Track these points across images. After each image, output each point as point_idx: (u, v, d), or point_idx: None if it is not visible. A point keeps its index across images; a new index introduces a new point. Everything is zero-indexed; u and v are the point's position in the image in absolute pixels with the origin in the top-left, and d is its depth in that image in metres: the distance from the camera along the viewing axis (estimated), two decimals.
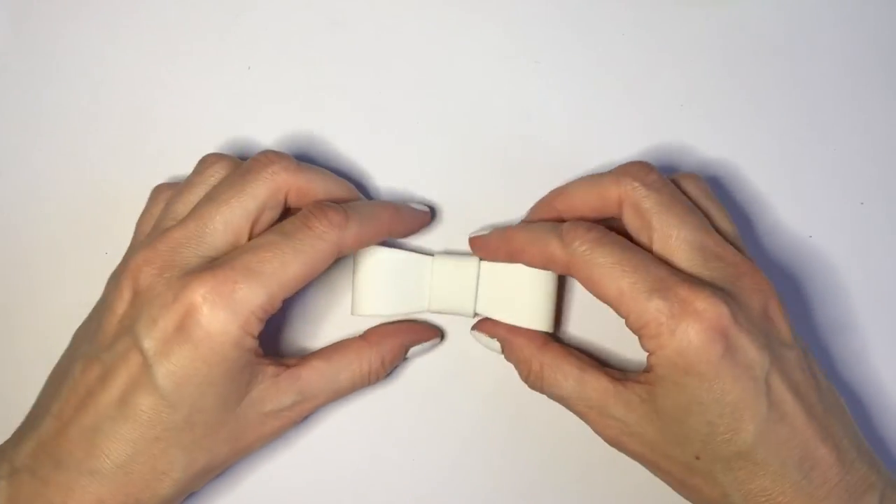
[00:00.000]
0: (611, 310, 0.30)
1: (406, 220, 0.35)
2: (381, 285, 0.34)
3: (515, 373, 0.36)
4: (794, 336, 0.30)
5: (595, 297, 0.31)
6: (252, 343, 0.30)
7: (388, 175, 0.37)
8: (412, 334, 0.35)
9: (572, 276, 0.31)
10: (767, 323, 0.30)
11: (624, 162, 0.33)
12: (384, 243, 0.34)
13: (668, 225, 0.30)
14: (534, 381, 0.34)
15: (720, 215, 0.32)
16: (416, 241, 0.37)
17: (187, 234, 0.30)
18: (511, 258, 0.33)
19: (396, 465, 0.36)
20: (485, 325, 0.35)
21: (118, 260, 0.33)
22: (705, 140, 0.37)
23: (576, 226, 0.31)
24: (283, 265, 0.29)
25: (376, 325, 0.36)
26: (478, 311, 0.35)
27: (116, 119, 0.37)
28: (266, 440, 0.32)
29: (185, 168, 0.36)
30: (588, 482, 0.36)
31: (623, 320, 0.30)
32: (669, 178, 0.32)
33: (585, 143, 0.37)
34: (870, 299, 0.37)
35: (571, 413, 0.33)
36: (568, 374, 0.33)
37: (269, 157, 0.31)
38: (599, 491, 0.36)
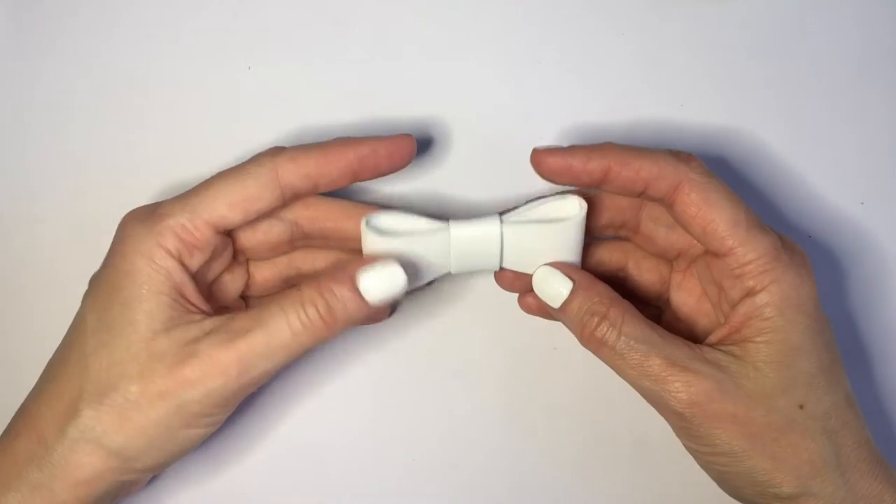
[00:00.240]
0: None
1: (378, 150, 0.31)
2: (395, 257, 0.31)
3: (515, 372, 0.36)
4: None
5: (687, 224, 0.30)
6: (169, 263, 0.30)
7: (388, 175, 0.37)
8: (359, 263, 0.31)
9: (671, 200, 0.30)
10: None
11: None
12: (394, 212, 0.32)
13: (733, 207, 0.30)
14: (604, 333, 0.30)
15: None
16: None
17: (178, 198, 0.31)
18: (601, 176, 0.31)
19: (397, 465, 0.36)
20: (560, 266, 0.32)
21: None
22: (705, 140, 0.37)
23: (688, 153, 0.31)
24: (209, 186, 0.31)
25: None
26: (503, 266, 0.33)
27: (116, 119, 0.37)
28: (191, 394, 0.29)
29: (185, 168, 0.37)
30: (588, 482, 0.36)
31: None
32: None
33: (586, 142, 0.37)
34: (870, 299, 0.37)
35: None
36: (653, 328, 0.30)
37: (269, 149, 0.32)
38: (599, 491, 0.36)
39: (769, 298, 0.29)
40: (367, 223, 0.31)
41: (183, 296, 0.30)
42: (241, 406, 0.36)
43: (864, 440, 0.30)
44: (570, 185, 0.32)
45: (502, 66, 0.37)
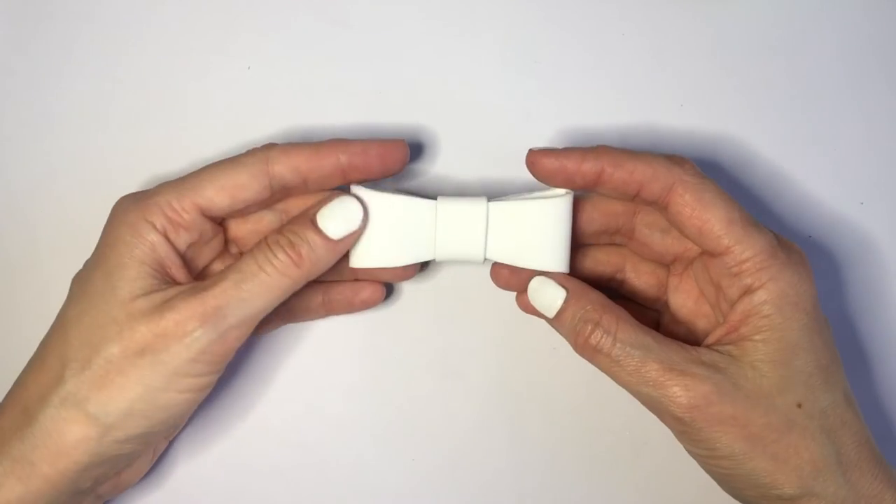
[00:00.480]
0: None
1: (369, 151, 0.32)
2: (380, 233, 0.32)
3: (515, 372, 0.36)
4: None
5: (682, 225, 0.30)
6: (154, 237, 0.30)
7: (381, 178, 0.37)
8: (319, 202, 0.32)
9: (665, 202, 0.31)
10: None
11: None
12: (381, 189, 0.32)
13: (727, 206, 0.30)
14: (598, 340, 0.30)
15: None
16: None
17: (170, 181, 0.32)
18: (595, 178, 0.31)
19: (397, 465, 0.36)
20: (554, 276, 0.32)
21: None
22: (705, 140, 0.37)
23: (681, 156, 0.31)
24: (200, 171, 0.32)
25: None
26: (488, 256, 0.33)
27: (116, 119, 0.37)
28: (167, 348, 0.29)
29: (184, 168, 0.37)
30: (588, 482, 0.36)
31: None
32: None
33: (585, 144, 0.37)
34: (869, 299, 0.37)
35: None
36: (647, 333, 0.30)
37: (264, 144, 0.33)
38: (600, 491, 0.36)
39: (767, 296, 0.29)
40: (357, 185, 0.32)
41: (166, 271, 0.31)
42: (241, 406, 0.36)
43: (864, 439, 0.30)
44: (565, 186, 0.32)
45: (501, 66, 0.37)
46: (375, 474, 0.36)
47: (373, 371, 0.37)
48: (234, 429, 0.36)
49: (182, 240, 0.31)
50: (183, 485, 0.36)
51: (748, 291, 0.30)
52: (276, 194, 0.32)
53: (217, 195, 0.31)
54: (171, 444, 0.36)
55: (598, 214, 0.33)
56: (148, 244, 0.30)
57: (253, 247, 0.31)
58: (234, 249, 0.34)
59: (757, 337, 0.29)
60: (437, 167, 0.37)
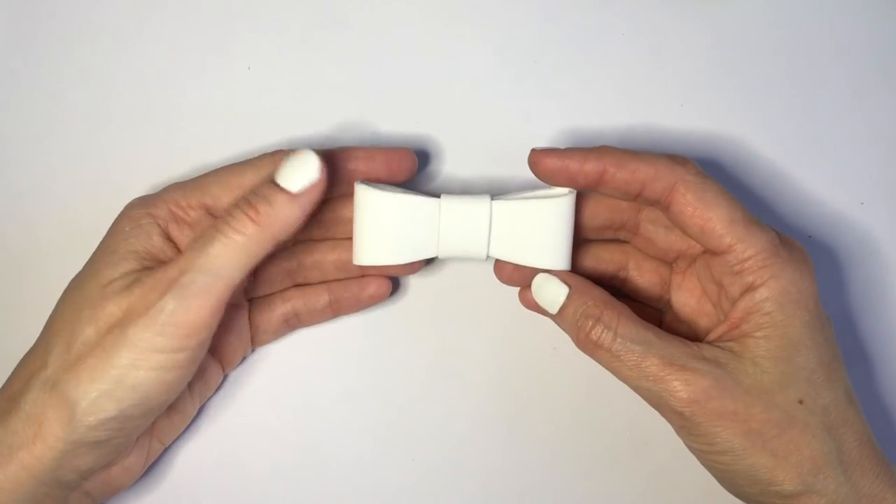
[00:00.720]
0: None
1: (375, 159, 0.32)
2: (384, 231, 0.32)
3: (515, 372, 0.36)
4: None
5: (684, 224, 0.30)
6: (152, 229, 0.31)
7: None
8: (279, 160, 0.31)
9: (667, 202, 0.31)
10: None
11: None
12: (385, 187, 0.32)
13: (729, 205, 0.30)
14: (599, 335, 0.30)
15: None
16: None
17: (180, 181, 0.33)
18: (597, 178, 0.31)
19: (397, 465, 0.36)
20: (556, 273, 0.32)
21: None
22: (705, 140, 0.37)
23: (683, 156, 0.31)
24: (210, 172, 0.32)
25: None
26: (490, 253, 0.33)
27: (116, 119, 0.37)
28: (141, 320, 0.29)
29: (185, 168, 0.37)
30: (588, 482, 0.36)
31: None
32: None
33: (585, 144, 0.37)
34: (870, 299, 0.37)
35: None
36: (648, 328, 0.30)
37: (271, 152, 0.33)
38: (600, 491, 0.36)
39: (769, 293, 0.29)
40: (361, 182, 0.32)
41: (157, 259, 0.31)
42: (240, 406, 0.36)
43: (865, 438, 0.30)
44: (567, 186, 0.32)
45: (502, 66, 0.37)
46: (375, 474, 0.36)
47: (373, 371, 0.37)
48: (234, 429, 0.36)
49: (184, 236, 0.32)
50: (183, 485, 0.36)
51: (750, 289, 0.30)
52: None
53: (223, 193, 0.32)
54: (171, 443, 0.36)
55: (604, 209, 0.34)
56: (145, 235, 0.31)
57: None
58: None
59: (758, 334, 0.29)
60: (439, 166, 0.37)
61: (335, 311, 0.36)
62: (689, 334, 0.32)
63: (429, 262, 0.37)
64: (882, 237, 0.37)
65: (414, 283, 0.37)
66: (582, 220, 0.34)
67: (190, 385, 0.34)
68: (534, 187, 0.33)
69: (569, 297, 0.31)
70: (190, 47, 0.38)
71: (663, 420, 0.31)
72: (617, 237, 0.35)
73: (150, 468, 0.35)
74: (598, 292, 0.31)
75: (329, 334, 0.37)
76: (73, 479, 0.30)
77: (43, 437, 0.29)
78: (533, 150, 0.32)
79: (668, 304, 0.35)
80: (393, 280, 0.36)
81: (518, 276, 0.34)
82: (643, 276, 0.35)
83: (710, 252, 0.31)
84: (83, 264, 0.32)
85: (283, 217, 0.30)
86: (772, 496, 0.29)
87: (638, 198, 0.32)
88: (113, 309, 0.29)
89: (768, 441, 0.29)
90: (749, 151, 0.37)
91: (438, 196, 0.33)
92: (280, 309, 0.35)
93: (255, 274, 0.35)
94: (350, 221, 0.33)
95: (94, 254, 0.32)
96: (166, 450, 0.36)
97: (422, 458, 0.36)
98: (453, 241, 0.32)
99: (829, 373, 0.30)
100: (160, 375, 0.29)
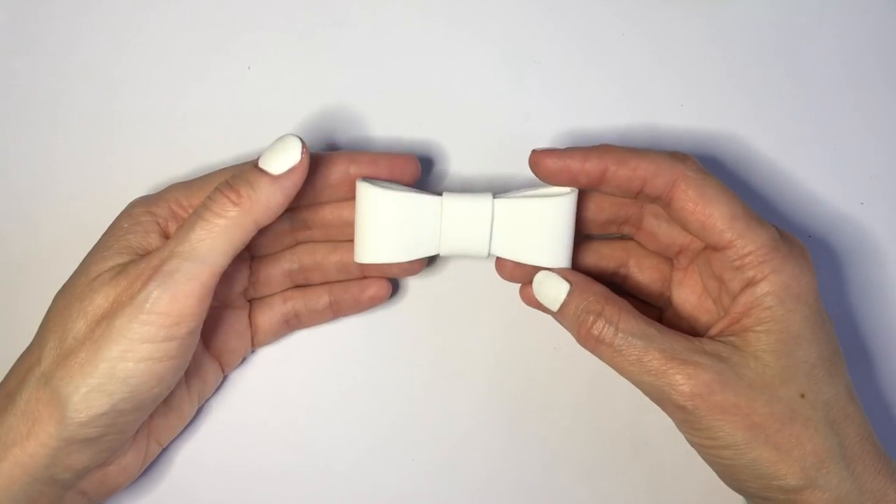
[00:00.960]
0: None
1: (378, 164, 0.32)
2: (385, 229, 0.32)
3: (515, 372, 0.36)
4: None
5: (685, 221, 0.31)
6: (150, 227, 0.31)
7: None
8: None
9: (668, 198, 0.31)
10: None
11: None
12: (387, 185, 0.32)
13: (730, 201, 0.30)
14: (601, 331, 0.30)
15: None
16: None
17: (185, 181, 0.33)
18: (599, 176, 0.31)
19: (397, 465, 0.36)
20: (557, 270, 0.32)
21: None
22: (705, 140, 0.37)
23: (683, 153, 0.31)
24: (209, 175, 0.32)
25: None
26: (492, 251, 0.33)
27: (116, 119, 0.37)
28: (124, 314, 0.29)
29: (185, 168, 0.37)
30: (588, 482, 0.36)
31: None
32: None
33: (585, 143, 0.37)
34: (870, 298, 0.37)
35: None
36: (649, 323, 0.30)
37: None
38: (600, 491, 0.36)
39: (770, 288, 0.29)
40: (363, 180, 0.32)
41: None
42: (240, 406, 0.36)
43: (866, 433, 0.30)
44: (568, 185, 0.32)
45: (502, 66, 0.37)
46: (375, 474, 0.36)
47: (373, 371, 0.37)
48: (234, 429, 0.36)
49: None
50: (182, 485, 0.36)
51: (751, 284, 0.30)
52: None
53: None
54: (170, 443, 0.36)
55: (609, 204, 0.34)
56: (142, 232, 0.31)
57: None
58: (243, 252, 0.34)
59: (759, 328, 0.29)
60: (440, 165, 0.37)
61: (335, 312, 0.36)
62: (689, 331, 0.32)
63: (429, 262, 0.37)
64: (882, 237, 0.37)
65: (414, 283, 0.37)
66: (587, 215, 0.34)
67: (188, 385, 0.34)
68: (535, 186, 0.34)
69: (570, 293, 0.31)
70: (190, 47, 0.38)
71: (663, 420, 0.31)
72: (621, 232, 0.35)
73: (149, 468, 0.35)
74: (599, 288, 0.31)
75: (329, 334, 0.37)
76: (67, 477, 0.30)
77: (36, 434, 0.29)
78: (533, 151, 0.32)
79: (669, 301, 0.35)
80: (393, 280, 0.36)
81: (519, 273, 0.34)
82: (644, 272, 0.35)
83: (711, 248, 0.31)
84: None
85: (264, 200, 0.30)
86: (774, 491, 0.29)
87: (639, 195, 0.32)
88: (100, 301, 0.29)
89: (771, 435, 0.29)
90: (749, 151, 0.37)
91: (440, 194, 0.33)
92: (280, 310, 0.35)
93: (256, 275, 0.35)
94: (352, 225, 0.33)
95: (90, 251, 0.32)
96: (165, 450, 0.36)
97: (422, 458, 0.36)
98: (455, 238, 0.32)
99: (830, 368, 0.30)
100: (150, 366, 0.29)
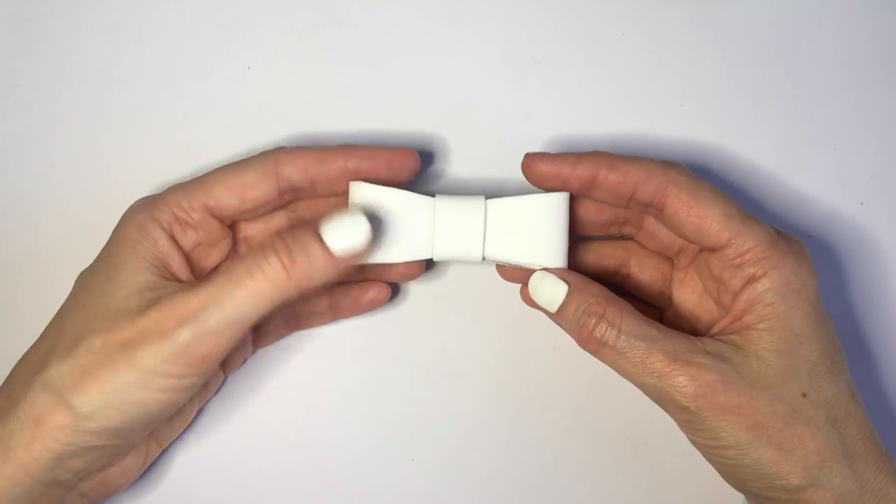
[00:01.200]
0: None
1: (377, 159, 0.32)
2: (377, 230, 0.32)
3: (515, 372, 0.36)
4: None
5: (680, 225, 0.31)
6: (158, 234, 0.31)
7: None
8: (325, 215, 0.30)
9: (661, 204, 0.31)
10: None
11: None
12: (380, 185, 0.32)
13: (723, 202, 0.31)
14: (603, 333, 0.30)
15: None
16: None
17: (182, 183, 0.32)
18: (590, 180, 0.31)
19: (397, 465, 0.36)
20: (554, 270, 0.32)
21: None
22: (705, 140, 0.37)
23: (674, 161, 0.32)
24: (211, 172, 0.32)
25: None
26: (486, 255, 0.32)
27: (116, 119, 0.37)
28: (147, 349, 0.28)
29: (185, 168, 0.37)
30: (588, 482, 0.36)
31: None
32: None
33: (585, 144, 0.37)
34: (870, 298, 0.37)
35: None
36: (651, 324, 0.30)
37: (275, 147, 0.33)
38: (600, 491, 0.36)
39: (770, 284, 0.29)
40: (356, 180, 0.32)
41: (168, 268, 0.31)
42: (240, 407, 0.36)
43: (868, 432, 0.30)
44: (560, 190, 0.32)
45: (502, 66, 0.37)
46: (375, 474, 0.36)
47: (373, 371, 0.37)
48: (234, 429, 0.36)
49: (189, 239, 0.32)
50: (182, 485, 0.36)
51: (751, 280, 0.30)
52: (285, 195, 0.32)
53: (225, 195, 0.31)
54: (170, 443, 0.36)
55: (609, 204, 0.34)
56: (151, 241, 0.31)
57: (248, 251, 0.30)
58: (243, 251, 0.34)
59: (761, 326, 0.29)
60: (437, 166, 0.37)
61: (335, 314, 0.36)
62: (690, 331, 0.32)
63: (428, 265, 0.37)
64: (882, 237, 0.37)
65: (414, 283, 0.37)
66: (588, 216, 0.34)
67: None
68: (530, 191, 0.33)
69: (569, 294, 0.31)
70: (190, 47, 0.38)
71: (663, 420, 0.31)
72: (622, 233, 0.35)
73: (148, 468, 0.35)
74: (599, 289, 0.31)
75: (329, 335, 0.37)
76: (69, 479, 0.30)
77: (41, 438, 0.28)
78: (526, 155, 0.32)
79: (669, 300, 0.35)
80: (392, 283, 0.36)
81: (521, 273, 0.34)
82: (645, 272, 0.35)
83: (709, 249, 0.31)
84: (83, 263, 0.32)
85: (317, 274, 0.29)
86: (777, 490, 0.29)
87: (630, 201, 0.32)
88: (126, 325, 0.29)
89: (773, 435, 0.29)
90: (749, 151, 0.37)
91: (433, 195, 0.33)
92: (280, 312, 0.35)
93: None
94: None
95: (105, 259, 0.31)
96: (164, 450, 0.36)
97: (422, 458, 0.36)
98: (448, 242, 0.32)
99: (831, 366, 0.30)
100: (165, 396, 0.29)
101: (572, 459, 0.36)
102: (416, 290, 0.37)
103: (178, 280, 0.31)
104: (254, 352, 0.36)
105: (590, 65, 0.38)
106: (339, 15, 0.38)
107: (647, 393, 0.30)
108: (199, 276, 0.33)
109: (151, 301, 0.29)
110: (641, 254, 0.35)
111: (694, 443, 0.31)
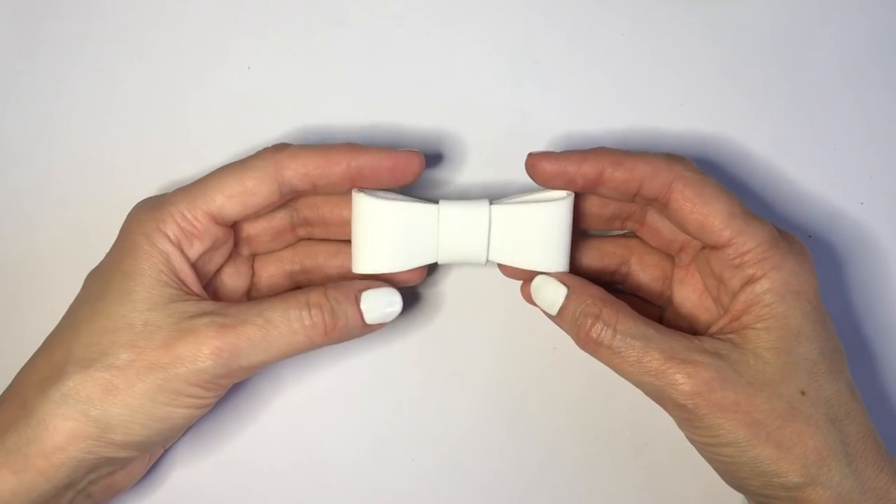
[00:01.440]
0: None
1: (381, 161, 0.31)
2: (383, 239, 0.32)
3: (515, 372, 0.36)
4: None
5: (684, 221, 0.31)
6: (168, 247, 0.31)
7: (392, 186, 0.37)
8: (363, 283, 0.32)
9: (666, 198, 0.31)
10: None
11: None
12: (383, 194, 0.32)
13: (728, 200, 0.31)
14: (599, 333, 0.30)
15: None
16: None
17: (182, 188, 0.32)
18: (596, 177, 0.31)
19: (397, 465, 0.36)
20: (554, 274, 0.32)
21: None
22: (705, 140, 0.37)
23: (679, 155, 0.32)
24: (211, 178, 0.32)
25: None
26: (490, 257, 0.33)
27: (116, 119, 0.37)
28: (180, 370, 0.29)
29: (185, 168, 0.37)
30: (588, 482, 0.36)
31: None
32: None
33: (585, 144, 0.37)
34: (871, 298, 0.37)
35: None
36: (648, 324, 0.30)
37: (274, 145, 0.33)
38: (599, 491, 0.36)
39: (770, 285, 0.29)
40: (358, 190, 0.32)
41: (183, 281, 0.31)
42: (241, 406, 0.36)
43: (868, 430, 0.30)
44: (565, 188, 0.32)
45: (502, 66, 0.37)
46: (375, 474, 0.36)
47: (373, 371, 0.37)
48: (234, 429, 0.36)
49: (195, 249, 0.32)
50: (182, 485, 0.36)
51: (751, 281, 0.30)
52: (287, 196, 0.32)
53: (228, 202, 0.31)
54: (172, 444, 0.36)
55: (614, 199, 0.34)
56: (163, 254, 0.31)
57: (288, 294, 0.31)
58: (245, 251, 0.34)
59: (759, 325, 0.29)
60: (437, 166, 0.37)
61: None
62: (689, 330, 0.32)
63: (431, 269, 0.36)
64: (882, 237, 0.37)
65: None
66: (592, 211, 0.34)
67: None
68: (532, 190, 0.33)
69: (567, 297, 0.31)
70: (190, 47, 0.38)
71: (663, 420, 0.31)
72: (625, 228, 0.35)
73: (150, 468, 0.35)
74: (596, 290, 0.31)
75: None
76: (82, 482, 0.31)
77: (63, 449, 0.29)
78: (530, 155, 0.32)
79: (669, 299, 0.35)
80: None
81: (522, 271, 0.34)
82: (646, 270, 0.35)
83: (710, 247, 0.31)
84: (82, 263, 0.32)
85: (349, 336, 0.32)
86: (775, 488, 0.29)
87: (636, 197, 0.32)
88: (157, 345, 0.29)
89: (772, 432, 0.29)
90: (749, 151, 0.37)
91: (437, 201, 0.33)
92: None
93: (258, 274, 0.35)
94: (350, 224, 0.33)
95: (116, 266, 0.31)
96: (166, 451, 0.36)
97: (422, 458, 0.36)
98: (453, 246, 0.32)
99: (830, 364, 0.30)
100: (188, 412, 0.30)
101: (572, 459, 0.36)
102: (416, 291, 0.37)
103: (194, 293, 0.31)
104: None
105: (590, 65, 0.38)
106: (339, 15, 0.38)
107: (645, 392, 0.30)
108: (204, 279, 0.33)
109: (183, 321, 0.30)
110: (643, 251, 0.35)
111: (693, 441, 0.31)
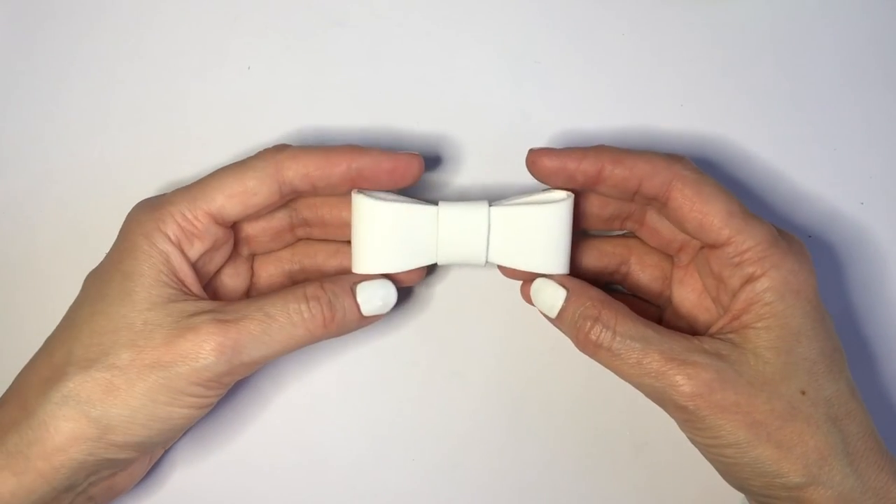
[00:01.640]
0: None
1: (381, 164, 0.31)
2: (382, 240, 0.32)
3: (515, 372, 0.36)
4: None
5: (683, 219, 0.31)
6: (168, 248, 0.31)
7: (392, 188, 0.37)
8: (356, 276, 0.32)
9: (665, 197, 0.31)
10: None
11: None
12: (383, 196, 0.32)
13: (727, 199, 0.31)
14: (598, 335, 0.30)
15: None
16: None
17: (182, 189, 0.32)
18: (596, 175, 0.31)
19: (397, 465, 0.36)
20: (554, 276, 0.32)
21: None
22: (705, 140, 0.37)
23: (679, 154, 0.32)
24: (211, 178, 0.32)
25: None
26: (490, 259, 0.33)
27: (116, 119, 0.37)
28: (179, 369, 0.29)
29: (185, 168, 0.37)
30: (588, 482, 0.36)
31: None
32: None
33: (585, 144, 0.37)
34: (870, 298, 0.37)
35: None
36: (647, 325, 0.30)
37: (275, 146, 0.33)
38: (599, 491, 0.36)
39: (769, 283, 0.29)
40: (358, 191, 0.32)
41: (183, 282, 0.31)
42: (240, 406, 0.36)
43: (868, 430, 0.30)
44: (565, 185, 0.32)
45: (502, 66, 0.37)
46: (375, 474, 0.36)
47: (373, 371, 0.37)
48: (234, 429, 0.36)
49: (195, 250, 0.32)
50: (182, 485, 0.36)
51: (750, 280, 0.30)
52: (287, 197, 0.32)
53: (228, 202, 0.31)
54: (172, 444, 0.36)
55: (612, 199, 0.34)
56: (163, 254, 0.31)
57: (287, 289, 0.31)
58: (244, 251, 0.34)
59: (759, 324, 0.29)
60: (437, 166, 0.37)
61: None
62: (688, 330, 0.32)
63: (431, 269, 0.36)
64: (882, 237, 0.37)
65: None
66: (591, 210, 0.34)
67: None
68: (532, 190, 0.33)
69: (567, 299, 0.31)
70: (190, 47, 0.38)
71: (663, 420, 0.31)
72: (624, 228, 0.35)
73: (151, 469, 0.35)
74: (595, 292, 0.31)
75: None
76: (83, 484, 0.31)
77: (64, 450, 0.29)
78: (530, 151, 0.32)
79: (668, 300, 0.35)
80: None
81: (522, 272, 0.34)
82: (645, 270, 0.35)
83: (710, 246, 0.31)
84: (82, 264, 0.32)
85: (347, 328, 0.32)
86: (777, 488, 0.29)
87: (635, 195, 0.32)
88: (158, 344, 0.29)
89: (773, 433, 0.29)
90: (749, 151, 0.37)
91: (436, 203, 0.33)
92: None
93: (257, 274, 0.35)
94: (350, 224, 0.33)
95: (116, 266, 0.31)
96: (165, 451, 0.36)
97: (422, 458, 0.36)
98: (452, 248, 0.32)
99: (830, 364, 0.30)
100: (189, 412, 0.30)
101: (572, 459, 0.36)
102: (416, 291, 0.37)
103: (191, 290, 0.31)
104: None
105: (590, 65, 0.38)
106: (339, 15, 0.38)
107: (646, 394, 0.30)
108: (204, 280, 0.33)
109: (183, 320, 0.30)
110: (642, 251, 0.35)
111: (694, 442, 0.31)
